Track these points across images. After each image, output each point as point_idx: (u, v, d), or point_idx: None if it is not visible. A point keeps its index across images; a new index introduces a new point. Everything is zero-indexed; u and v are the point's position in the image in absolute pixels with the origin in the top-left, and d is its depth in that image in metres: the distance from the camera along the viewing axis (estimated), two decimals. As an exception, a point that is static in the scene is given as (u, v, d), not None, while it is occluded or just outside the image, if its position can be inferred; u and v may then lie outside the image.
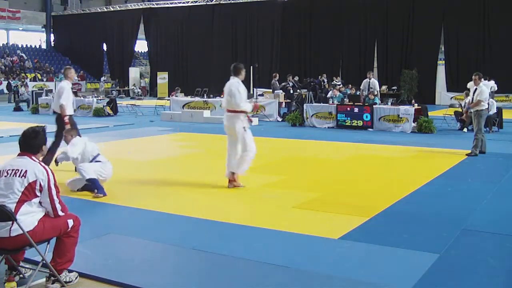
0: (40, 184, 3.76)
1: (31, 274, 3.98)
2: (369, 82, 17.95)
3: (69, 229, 3.94)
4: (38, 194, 3.77)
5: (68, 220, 3.94)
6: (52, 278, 3.88)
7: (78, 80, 36.21)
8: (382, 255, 4.65)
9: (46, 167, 3.86)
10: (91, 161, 7.08)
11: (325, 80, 23.50)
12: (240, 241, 5.02)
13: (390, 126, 14.59)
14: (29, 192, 3.72)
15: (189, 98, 20.13)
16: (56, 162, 7.46)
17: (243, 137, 7.24)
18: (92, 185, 6.87)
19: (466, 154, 10.13)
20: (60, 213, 3.88)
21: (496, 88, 19.49)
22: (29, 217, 3.72)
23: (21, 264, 4.11)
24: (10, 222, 3.64)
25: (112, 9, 37.44)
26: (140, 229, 5.53)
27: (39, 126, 4.04)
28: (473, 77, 10.47)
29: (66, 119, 8.46)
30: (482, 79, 10.83)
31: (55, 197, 3.83)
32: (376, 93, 17.21)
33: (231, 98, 7.18)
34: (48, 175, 3.80)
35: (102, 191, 6.82)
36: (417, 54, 25.98)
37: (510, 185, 7.62)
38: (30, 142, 3.89)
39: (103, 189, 6.87)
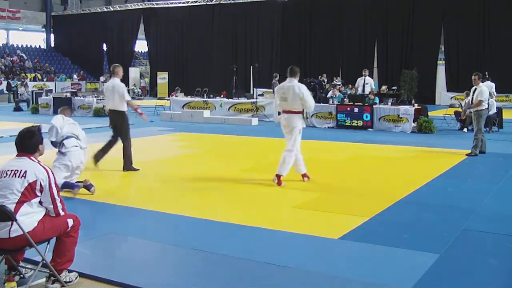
0: (41, 184, 3.77)
1: (31, 274, 3.98)
2: (364, 79, 18.12)
3: (69, 229, 3.94)
4: (38, 194, 3.78)
5: (68, 220, 3.95)
6: (52, 278, 3.88)
7: (78, 80, 36.21)
8: (382, 255, 4.65)
9: (46, 167, 3.87)
10: (60, 143, 6.98)
11: (325, 80, 23.51)
12: (240, 241, 5.03)
13: (390, 126, 14.59)
14: (29, 193, 3.72)
15: (189, 98, 20.11)
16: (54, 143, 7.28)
17: (296, 137, 7.49)
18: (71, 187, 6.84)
19: (466, 154, 10.13)
20: (61, 212, 3.89)
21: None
22: (29, 217, 3.72)
23: (21, 264, 4.11)
24: (10, 223, 3.64)
25: (112, 9, 37.41)
26: (140, 229, 5.53)
27: (34, 125, 4.05)
28: (473, 77, 10.46)
29: (139, 110, 8.97)
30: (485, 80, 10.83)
31: (56, 196, 3.85)
32: (372, 90, 17.43)
33: (300, 100, 7.36)
34: (48, 175, 3.82)
35: (76, 187, 6.78)
36: (417, 54, 25.95)
37: (510, 185, 7.62)
38: (26, 142, 3.90)
39: (73, 185, 6.79)
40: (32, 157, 3.88)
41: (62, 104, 20.59)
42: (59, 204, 3.87)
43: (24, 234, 3.65)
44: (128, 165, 8.57)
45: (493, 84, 16.81)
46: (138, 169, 8.57)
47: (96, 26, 36.83)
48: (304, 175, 7.78)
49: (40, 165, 3.85)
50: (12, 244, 3.70)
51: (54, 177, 3.87)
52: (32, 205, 3.75)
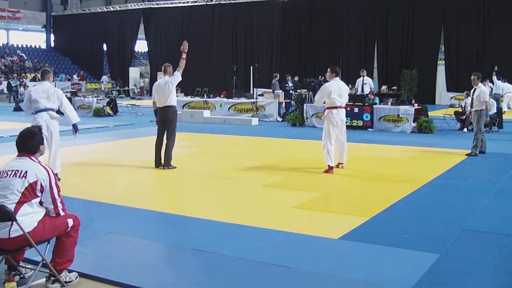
0: (41, 185, 3.77)
1: (31, 274, 3.98)
2: (363, 79, 18.21)
3: (69, 229, 3.94)
4: (39, 194, 3.78)
5: (68, 220, 3.94)
6: (52, 278, 3.88)
7: (78, 80, 36.18)
8: (382, 255, 4.65)
9: (47, 167, 3.87)
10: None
11: (324, 80, 23.54)
12: (240, 241, 5.02)
13: (390, 126, 14.59)
14: (29, 193, 3.72)
15: (189, 98, 20.12)
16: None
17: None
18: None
19: (466, 154, 10.13)
20: (61, 212, 3.89)
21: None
22: (29, 218, 3.72)
23: (21, 264, 4.11)
24: (9, 223, 3.64)
25: (112, 9, 37.39)
26: (140, 229, 5.53)
27: (35, 126, 4.05)
28: (472, 77, 10.47)
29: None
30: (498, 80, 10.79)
31: (56, 196, 3.85)
32: (371, 90, 17.47)
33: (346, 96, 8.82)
34: (49, 175, 3.82)
35: None
36: (417, 54, 25.93)
37: (510, 185, 7.62)
38: (27, 143, 3.90)
39: None
40: (32, 157, 3.88)
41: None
42: (59, 204, 3.87)
43: (24, 234, 3.65)
44: (168, 162, 8.73)
45: (504, 85, 16.84)
46: (175, 167, 8.76)
47: (96, 26, 36.81)
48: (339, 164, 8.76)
49: (41, 165, 3.85)
50: (12, 244, 3.70)
51: (55, 177, 3.87)
52: (32, 205, 3.75)
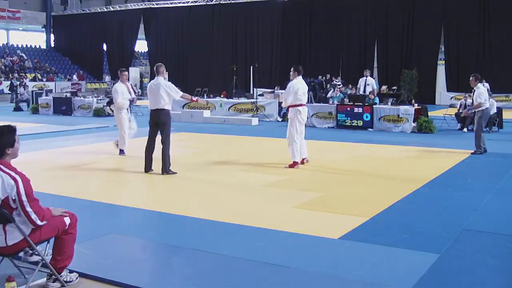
0: (12, 199, 3.54)
1: (31, 274, 3.98)
2: (366, 80, 18.19)
3: (67, 227, 3.92)
4: (14, 206, 3.57)
5: (65, 219, 3.91)
6: (53, 276, 3.88)
7: (78, 80, 36.16)
8: (382, 255, 4.65)
9: (16, 175, 3.54)
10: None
11: (325, 80, 23.53)
12: (240, 241, 5.02)
13: (390, 126, 14.59)
14: (8, 207, 3.56)
15: (189, 98, 20.09)
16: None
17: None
18: None
19: (472, 153, 10.21)
20: (39, 223, 3.62)
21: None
22: (15, 228, 3.63)
23: (21, 264, 4.11)
24: (3, 232, 3.59)
25: (112, 9, 37.38)
26: (140, 229, 5.54)
27: (9, 125, 3.68)
28: (470, 78, 10.49)
29: (195, 98, 9.68)
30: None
31: (28, 209, 3.55)
32: (372, 90, 17.46)
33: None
34: (17, 186, 3.50)
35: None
36: (417, 54, 25.93)
37: (510, 185, 7.62)
38: None
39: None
40: (1, 166, 3.55)
41: (62, 104, 20.73)
42: (33, 217, 3.58)
43: (21, 240, 3.63)
44: (166, 168, 8.31)
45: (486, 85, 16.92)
46: (176, 173, 8.32)
47: (96, 26, 36.80)
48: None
49: (10, 176, 3.53)
50: (11, 249, 3.69)
51: (24, 187, 3.54)
52: (15, 218, 3.60)
